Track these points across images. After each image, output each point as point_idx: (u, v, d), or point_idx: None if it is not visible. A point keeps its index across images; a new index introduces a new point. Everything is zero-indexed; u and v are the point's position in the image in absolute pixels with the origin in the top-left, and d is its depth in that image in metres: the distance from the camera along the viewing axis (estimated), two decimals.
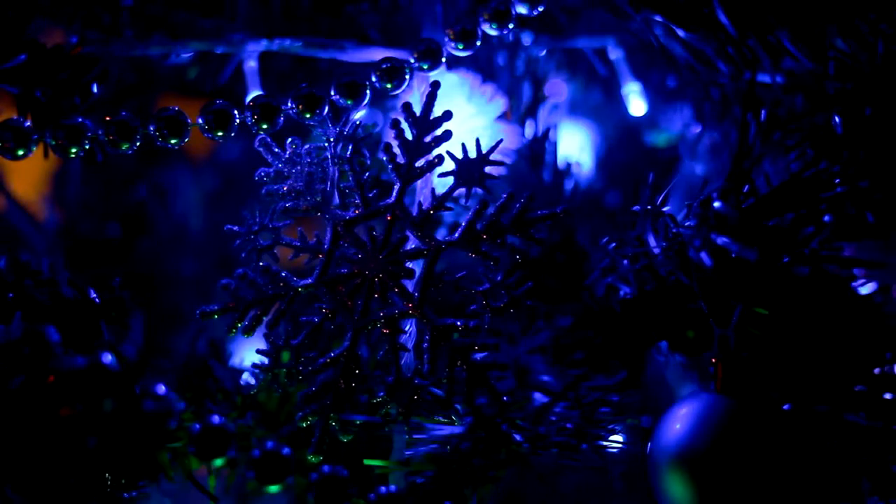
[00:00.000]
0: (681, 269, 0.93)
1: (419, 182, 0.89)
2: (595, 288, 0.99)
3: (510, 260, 0.88)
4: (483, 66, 1.13)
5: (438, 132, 0.88)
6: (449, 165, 0.88)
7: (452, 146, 0.88)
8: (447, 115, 0.88)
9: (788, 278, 0.90)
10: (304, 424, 0.89)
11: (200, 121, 0.88)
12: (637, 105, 1.24)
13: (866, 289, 0.95)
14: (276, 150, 0.89)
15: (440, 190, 0.89)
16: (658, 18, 1.03)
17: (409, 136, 0.88)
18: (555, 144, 1.14)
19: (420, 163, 0.88)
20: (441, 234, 1.05)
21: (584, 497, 1.17)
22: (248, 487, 1.01)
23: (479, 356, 0.87)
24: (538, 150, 1.14)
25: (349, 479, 1.00)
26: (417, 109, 0.88)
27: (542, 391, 0.99)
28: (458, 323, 0.87)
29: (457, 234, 0.88)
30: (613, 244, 0.98)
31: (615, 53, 1.23)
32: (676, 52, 1.05)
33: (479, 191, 0.88)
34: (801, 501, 0.87)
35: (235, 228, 0.90)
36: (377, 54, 0.93)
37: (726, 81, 1.05)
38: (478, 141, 0.88)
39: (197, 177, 1.63)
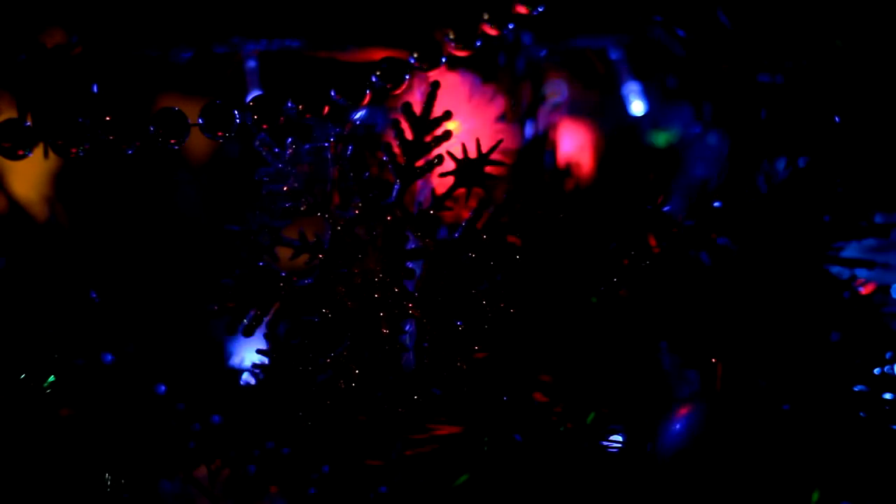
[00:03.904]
0: (681, 268, 0.93)
1: (419, 182, 0.89)
2: (595, 288, 0.99)
3: (510, 260, 0.88)
4: (483, 66, 1.13)
5: (438, 132, 0.88)
6: (449, 165, 0.88)
7: (452, 146, 0.88)
8: (447, 115, 0.88)
9: (788, 278, 0.90)
10: (304, 424, 0.89)
11: (200, 121, 0.88)
12: (637, 105, 1.24)
13: (866, 289, 0.95)
14: (276, 150, 0.89)
15: (440, 190, 0.89)
16: (658, 18, 1.03)
17: (409, 136, 0.88)
18: (555, 144, 1.14)
19: (420, 163, 0.88)
20: (441, 234, 1.05)
21: (583, 497, 1.17)
22: (248, 487, 1.01)
23: (478, 356, 0.87)
24: (538, 150, 1.14)
25: (349, 478, 1.00)
26: (417, 109, 0.88)
27: (542, 391, 0.99)
28: (458, 323, 0.87)
29: (457, 234, 0.88)
30: (613, 244, 0.98)
31: (615, 53, 1.23)
32: (676, 52, 1.05)
33: (479, 191, 0.88)
34: (801, 501, 0.87)
35: (235, 228, 0.90)
36: (377, 54, 0.93)
37: (725, 81, 1.05)
38: (478, 141, 0.88)
39: (197, 176, 1.63)
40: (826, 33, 0.96)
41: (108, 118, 0.88)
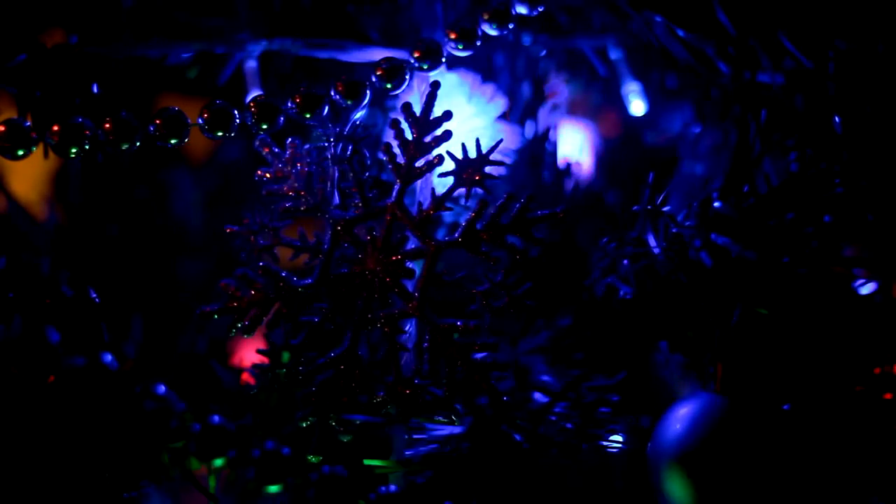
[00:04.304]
0: (681, 269, 0.93)
1: (419, 182, 0.89)
2: (595, 288, 0.99)
3: (510, 260, 0.88)
4: (483, 66, 1.13)
5: (438, 132, 0.88)
6: (449, 165, 0.88)
7: (452, 146, 0.88)
8: (447, 115, 0.88)
9: (788, 278, 0.90)
10: (304, 424, 0.89)
11: (200, 121, 0.88)
12: (637, 105, 1.24)
13: (866, 289, 0.95)
14: (276, 150, 0.89)
15: (440, 190, 0.89)
16: (658, 18, 1.03)
17: (409, 136, 0.88)
18: (555, 144, 1.14)
19: (420, 163, 0.88)
20: (441, 234, 1.05)
21: (585, 497, 1.17)
22: (248, 487, 1.01)
23: (479, 356, 0.87)
24: (538, 150, 1.14)
25: (349, 479, 1.00)
26: (417, 109, 0.88)
27: (542, 391, 0.99)
28: (458, 323, 0.87)
29: (457, 234, 0.88)
30: (613, 244, 0.98)
31: (615, 53, 1.23)
32: (676, 52, 1.05)
33: (479, 191, 0.88)
34: (801, 501, 0.87)
35: (235, 228, 0.90)
36: (377, 54, 0.93)
37: (726, 81, 1.05)
38: (478, 141, 0.88)
39: (197, 177, 1.63)
40: (826, 33, 0.96)
41: (108, 118, 0.88)
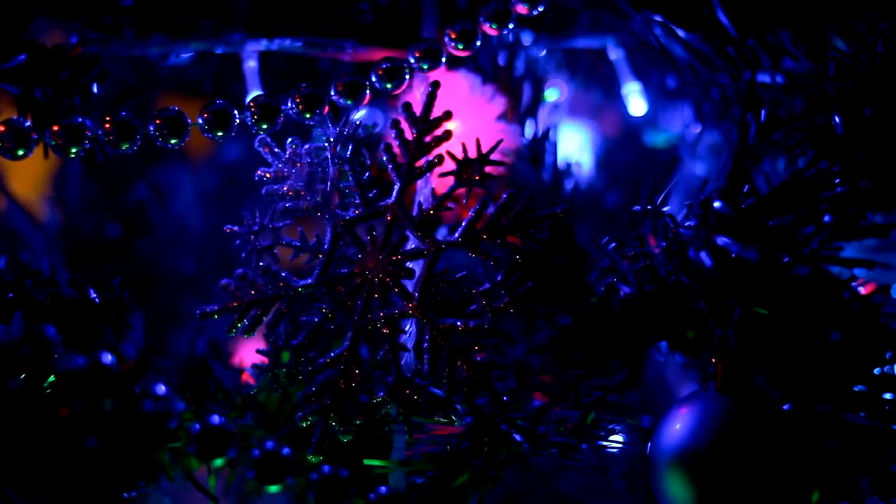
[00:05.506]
0: (681, 269, 0.93)
1: (419, 182, 0.89)
2: (595, 288, 0.99)
3: (510, 260, 0.88)
4: (483, 66, 1.13)
5: (438, 132, 0.88)
6: (449, 165, 0.88)
7: (452, 146, 0.88)
8: (447, 115, 0.88)
9: (788, 278, 0.90)
10: (304, 424, 0.89)
11: (200, 121, 0.88)
12: (637, 105, 1.25)
13: (866, 289, 0.95)
14: (276, 150, 0.89)
15: (440, 190, 0.89)
16: (658, 18, 1.03)
17: (409, 136, 0.88)
18: (555, 144, 1.14)
19: (420, 163, 0.88)
20: (441, 234, 1.05)
21: (584, 497, 1.17)
22: (248, 487, 1.01)
23: (479, 356, 0.87)
24: (538, 150, 1.14)
25: (349, 479, 1.00)
26: (417, 109, 0.88)
27: (542, 391, 0.99)
28: (458, 323, 0.87)
29: (457, 234, 0.88)
30: (613, 244, 0.98)
31: (615, 53, 1.23)
32: (676, 52, 1.05)
33: (479, 191, 0.88)
34: (801, 501, 0.87)
35: (235, 228, 0.90)
36: (377, 54, 0.93)
37: (726, 81, 1.05)
38: (478, 141, 0.88)
39: (197, 177, 1.64)
40: (826, 33, 0.96)
41: (108, 118, 0.88)
